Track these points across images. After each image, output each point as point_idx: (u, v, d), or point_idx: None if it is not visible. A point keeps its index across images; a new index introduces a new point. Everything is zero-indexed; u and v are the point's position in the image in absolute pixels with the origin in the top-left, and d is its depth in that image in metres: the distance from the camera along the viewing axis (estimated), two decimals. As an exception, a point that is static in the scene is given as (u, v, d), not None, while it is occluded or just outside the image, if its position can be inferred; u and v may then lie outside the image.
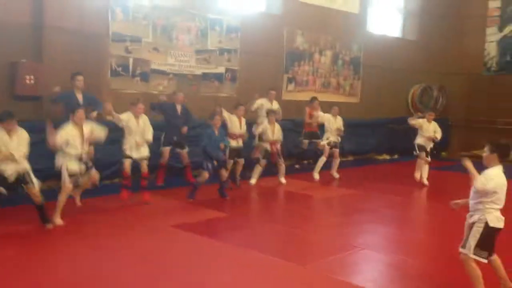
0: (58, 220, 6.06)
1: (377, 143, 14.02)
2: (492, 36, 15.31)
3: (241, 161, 8.84)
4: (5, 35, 7.75)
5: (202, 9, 10.32)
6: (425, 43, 15.49)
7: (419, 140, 9.81)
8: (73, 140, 6.24)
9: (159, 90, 9.69)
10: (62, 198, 6.15)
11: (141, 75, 9.49)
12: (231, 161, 8.54)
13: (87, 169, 6.45)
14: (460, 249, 4.19)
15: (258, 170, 9.29)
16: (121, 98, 8.92)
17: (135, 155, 7.42)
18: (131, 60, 9.32)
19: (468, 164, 4.20)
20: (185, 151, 8.95)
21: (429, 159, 9.82)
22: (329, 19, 12.84)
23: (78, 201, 6.83)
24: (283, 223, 6.88)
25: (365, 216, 7.21)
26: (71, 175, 6.22)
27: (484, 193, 4.08)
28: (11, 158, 5.71)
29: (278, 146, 9.27)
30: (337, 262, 5.16)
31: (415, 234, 6.71)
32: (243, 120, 8.82)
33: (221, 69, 10.74)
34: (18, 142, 5.81)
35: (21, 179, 5.84)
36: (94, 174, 6.60)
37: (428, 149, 9.81)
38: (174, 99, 8.91)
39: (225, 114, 8.59)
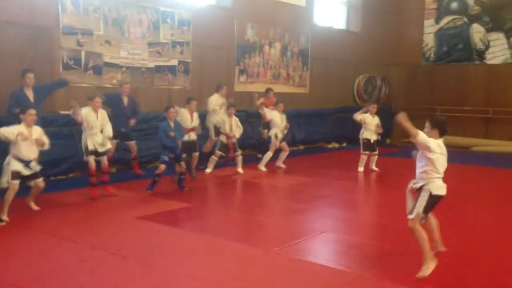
0: (5, 217, 5.98)
1: (326, 132, 14.52)
2: (430, 28, 16.15)
3: (196, 154, 8.91)
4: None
5: (153, 1, 10.31)
6: (368, 35, 16.13)
7: (364, 134, 10.24)
8: (22, 141, 6.14)
9: (112, 83, 9.64)
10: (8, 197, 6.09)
11: (94, 68, 9.39)
12: (185, 155, 8.59)
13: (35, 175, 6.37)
14: (408, 216, 4.61)
15: (213, 160, 9.49)
16: (75, 91, 8.83)
17: (99, 149, 7.31)
18: (83, 53, 9.21)
19: (403, 120, 4.47)
20: (133, 143, 9.01)
21: (376, 151, 10.31)
22: (278, 12, 13.13)
23: (33, 206, 6.57)
24: (244, 211, 7.12)
25: (321, 202, 7.57)
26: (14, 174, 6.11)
27: (426, 149, 4.44)
28: None
29: (234, 139, 9.47)
30: (299, 245, 5.43)
31: (369, 217, 7.14)
32: (195, 114, 8.88)
33: (174, 62, 10.78)
34: None
35: None
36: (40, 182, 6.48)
37: (373, 141, 10.24)
38: (120, 90, 8.90)
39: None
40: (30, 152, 6.26)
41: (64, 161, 8.63)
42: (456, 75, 15.74)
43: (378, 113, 10.65)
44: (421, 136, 4.47)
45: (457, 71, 15.75)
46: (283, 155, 10.52)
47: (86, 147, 7.26)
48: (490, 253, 5.29)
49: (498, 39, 14.99)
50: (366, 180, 9.75)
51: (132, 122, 8.88)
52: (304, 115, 13.73)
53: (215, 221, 6.53)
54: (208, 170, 9.46)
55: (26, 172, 6.22)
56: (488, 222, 6.56)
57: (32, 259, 4.81)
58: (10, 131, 6.09)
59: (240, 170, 9.62)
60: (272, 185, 8.93)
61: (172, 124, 7.96)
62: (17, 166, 6.15)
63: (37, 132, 6.36)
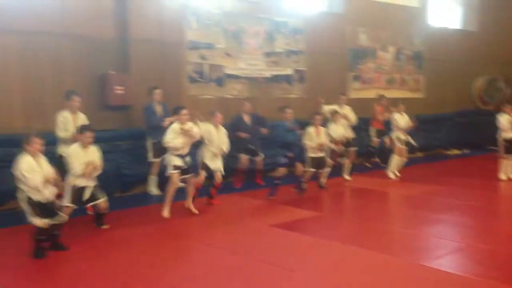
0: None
1: (444, 138, 13.80)
2: (558, 23, 14.81)
3: (326, 170, 8.70)
4: (94, 49, 8.17)
5: (269, 12, 10.50)
6: (486, 33, 15.13)
7: (504, 135, 9.42)
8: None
9: (233, 94, 9.93)
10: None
11: (216, 80, 9.74)
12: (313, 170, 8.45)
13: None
14: None
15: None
16: (198, 103, 9.21)
17: (212, 165, 7.39)
18: (206, 66, 9.59)
19: None
20: (260, 159, 9.16)
21: None
22: (390, 14, 12.78)
23: (193, 209, 6.95)
24: (377, 220, 6.85)
25: (457, 212, 7.15)
26: None
27: None
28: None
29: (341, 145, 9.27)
30: (445, 257, 5.16)
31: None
32: (322, 129, 8.50)
33: (289, 71, 10.88)
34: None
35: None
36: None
37: None
38: (240, 109, 9.05)
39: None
40: (186, 147, 6.67)
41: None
42: None
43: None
44: None
45: None
46: (401, 162, 10.09)
47: (203, 161, 7.35)
48: None
49: None
50: (506, 190, 9.05)
51: (264, 131, 8.94)
52: (421, 121, 13.11)
53: (351, 230, 6.41)
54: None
55: (182, 165, 6.68)
56: None
57: (184, 263, 5.03)
58: (173, 138, 6.54)
59: (346, 177, 9.46)
60: (399, 193, 8.63)
61: (289, 124, 7.99)
62: (176, 160, 6.57)
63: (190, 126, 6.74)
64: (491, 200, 8.12)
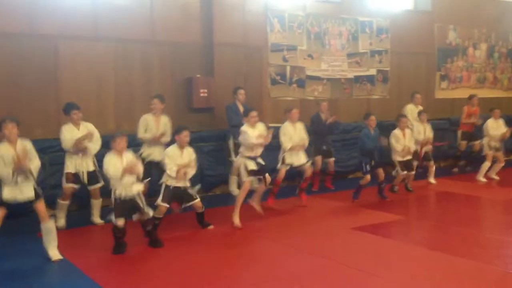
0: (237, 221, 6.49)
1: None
2: None
3: (411, 173, 8.45)
4: (181, 54, 8.53)
5: (353, 12, 10.38)
6: None
7: None
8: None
9: (314, 96, 9.92)
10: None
11: (298, 82, 9.79)
12: (404, 173, 8.27)
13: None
14: None
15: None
16: (279, 105, 9.31)
17: (295, 162, 7.47)
18: (288, 68, 9.67)
19: None
20: (332, 160, 9.04)
21: None
22: (482, 10, 12.12)
23: (258, 208, 6.93)
24: (464, 225, 6.58)
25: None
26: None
27: None
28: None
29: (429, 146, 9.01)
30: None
31: None
32: (408, 132, 8.33)
33: (372, 71, 10.68)
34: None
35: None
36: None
37: None
38: (318, 109, 8.96)
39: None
40: (258, 148, 6.70)
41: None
42: None
43: None
44: None
45: None
46: (497, 166, 9.58)
47: (283, 159, 7.44)
48: None
49: None
50: None
51: (333, 117, 8.77)
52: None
53: (436, 235, 6.19)
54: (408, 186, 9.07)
55: (255, 168, 6.64)
56: None
57: (263, 263, 5.12)
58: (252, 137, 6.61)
59: (432, 180, 9.16)
60: (488, 198, 8.18)
61: (372, 131, 7.84)
62: (250, 164, 6.60)
63: (260, 128, 6.78)
64: None
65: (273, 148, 7.57)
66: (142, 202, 5.57)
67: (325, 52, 10.07)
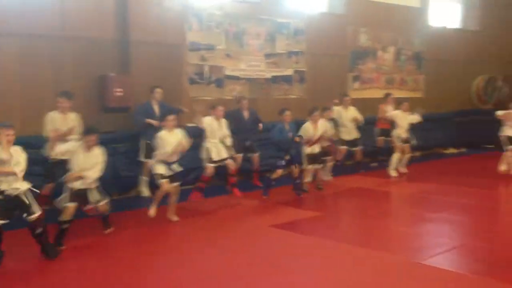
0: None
1: (443, 137, 13.85)
2: (558, 22, 14.83)
3: (319, 166, 8.73)
4: (94, 50, 8.22)
5: (270, 13, 10.54)
6: (487, 32, 15.16)
7: (507, 132, 9.59)
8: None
9: (233, 96, 9.98)
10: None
11: (216, 82, 9.79)
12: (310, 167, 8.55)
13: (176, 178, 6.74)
14: None
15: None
16: (198, 105, 9.25)
17: (220, 157, 7.66)
18: (206, 68, 9.64)
19: None
20: (256, 155, 9.18)
21: None
22: (391, 15, 12.82)
23: (173, 217, 6.77)
24: (376, 219, 6.91)
25: (457, 210, 7.22)
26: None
27: None
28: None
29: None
30: (442, 255, 5.23)
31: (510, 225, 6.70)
32: (321, 123, 8.66)
33: (289, 72, 10.93)
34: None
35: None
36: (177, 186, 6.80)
37: None
38: (239, 106, 9.12)
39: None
40: (174, 155, 6.65)
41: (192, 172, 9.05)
42: None
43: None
44: None
45: None
46: (404, 158, 10.20)
47: (209, 156, 7.55)
48: None
49: None
50: (505, 188, 9.10)
51: (260, 126, 9.10)
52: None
53: (350, 229, 6.50)
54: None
55: (168, 173, 6.59)
56: None
57: (181, 267, 5.07)
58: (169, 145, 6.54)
59: (326, 177, 9.35)
60: (397, 192, 8.71)
61: (287, 127, 8.05)
62: (160, 168, 6.56)
63: (178, 135, 6.73)
64: (488, 198, 8.17)
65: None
66: (29, 200, 5.10)
67: (244, 52, 10.16)
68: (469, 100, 15.25)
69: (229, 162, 7.75)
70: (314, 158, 8.49)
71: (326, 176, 9.35)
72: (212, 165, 7.65)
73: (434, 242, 5.79)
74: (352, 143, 10.16)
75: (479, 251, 5.36)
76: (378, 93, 12.40)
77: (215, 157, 7.64)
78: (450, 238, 5.94)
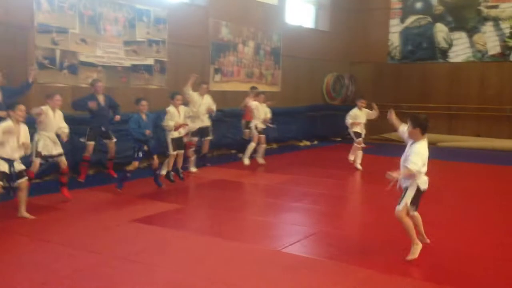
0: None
1: (297, 130, 14.66)
2: (395, 27, 16.59)
3: (181, 152, 8.78)
4: None
5: (129, -1, 10.10)
6: (336, 33, 16.40)
7: (355, 128, 10.34)
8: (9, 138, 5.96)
9: (88, 83, 9.36)
10: None
11: (69, 68, 9.10)
12: (175, 153, 8.51)
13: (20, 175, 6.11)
14: (397, 207, 4.90)
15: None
16: (49, 92, 8.51)
17: (53, 151, 7.01)
18: (58, 52, 8.90)
19: (395, 175, 4.79)
20: (112, 142, 8.77)
21: (364, 145, 10.44)
22: (251, 10, 13.14)
23: (27, 215, 6.18)
24: (237, 210, 7.01)
25: (312, 199, 7.63)
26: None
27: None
28: None
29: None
30: (301, 243, 5.49)
31: (359, 211, 7.30)
32: (182, 108, 8.70)
33: (150, 61, 10.60)
34: None
35: None
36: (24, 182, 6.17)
37: (363, 136, 10.41)
38: (93, 89, 8.64)
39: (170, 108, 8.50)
40: (16, 151, 6.00)
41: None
42: (421, 73, 16.25)
43: (346, 110, 10.83)
44: (414, 169, 4.72)
45: (421, 69, 16.26)
46: (261, 148, 10.54)
47: (37, 149, 6.87)
48: (461, 240, 5.52)
49: (460, 38, 15.57)
50: (353, 178, 9.82)
51: (117, 117, 8.67)
52: (277, 114, 13.72)
53: (211, 221, 6.48)
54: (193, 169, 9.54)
55: (10, 171, 5.95)
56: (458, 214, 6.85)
57: (37, 267, 4.62)
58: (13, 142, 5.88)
59: (193, 169, 9.49)
60: (256, 183, 8.94)
61: (144, 117, 7.85)
62: (2, 166, 5.90)
63: (25, 130, 6.11)
64: (339, 188, 8.80)
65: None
66: None
67: (101, 37, 9.58)
68: (321, 96, 16.36)
69: (61, 159, 7.08)
70: (179, 143, 8.47)
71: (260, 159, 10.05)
72: (39, 160, 6.92)
73: (292, 230, 6.05)
74: (203, 131, 9.99)
75: (333, 238, 5.72)
76: (238, 86, 12.69)
77: (43, 151, 6.91)
78: (306, 226, 6.27)
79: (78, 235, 5.57)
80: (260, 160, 10.56)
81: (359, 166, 10.25)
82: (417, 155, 4.76)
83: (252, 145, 10.29)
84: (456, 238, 5.75)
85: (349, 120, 10.35)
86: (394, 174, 4.80)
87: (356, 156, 10.36)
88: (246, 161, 10.20)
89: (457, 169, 11.10)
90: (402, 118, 5.38)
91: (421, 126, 4.82)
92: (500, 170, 11.01)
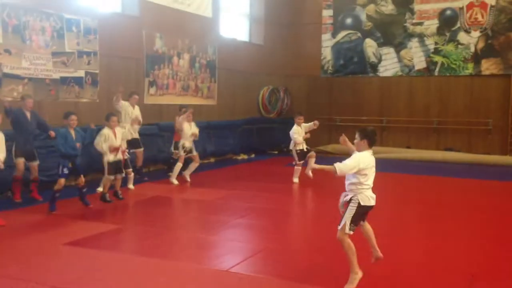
0: None
1: (235, 144, 14.53)
2: (327, 42, 16.97)
3: (120, 176, 8.28)
4: None
5: (57, 8, 9.56)
6: (270, 47, 16.52)
7: (298, 146, 10.22)
8: None
9: (13, 96, 8.73)
10: None
11: (-8, 80, 8.45)
12: (112, 178, 8.06)
13: None
14: (338, 227, 4.58)
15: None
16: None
17: None
18: (-21, 64, 8.24)
19: (319, 169, 4.65)
20: (36, 164, 8.21)
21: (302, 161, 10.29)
22: (186, 22, 12.91)
23: None
24: (178, 229, 6.76)
25: (253, 215, 7.45)
26: None
27: (352, 173, 4.53)
28: None
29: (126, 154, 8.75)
30: (258, 261, 5.31)
31: (304, 227, 7.23)
32: (119, 130, 8.25)
33: (80, 73, 10.07)
34: None
35: None
36: None
37: (306, 150, 10.30)
38: (22, 105, 8.09)
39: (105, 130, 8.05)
40: None
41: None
42: (352, 86, 16.69)
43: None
44: (343, 169, 4.48)
45: (353, 83, 16.71)
46: (193, 166, 10.19)
47: None
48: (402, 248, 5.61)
49: (389, 53, 16.18)
50: (293, 191, 9.75)
51: (52, 133, 8.12)
52: (214, 127, 13.59)
53: (151, 241, 6.12)
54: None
55: None
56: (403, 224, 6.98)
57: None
58: None
59: (131, 186, 9.16)
60: (196, 199, 8.66)
61: (73, 132, 7.42)
62: None
63: None
64: (282, 202, 8.65)
65: None
66: None
67: (27, 48, 8.99)
68: (256, 109, 16.37)
69: None
70: (116, 167, 8.02)
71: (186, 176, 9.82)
72: None
73: (237, 248, 5.86)
74: (133, 143, 9.61)
75: (280, 254, 5.58)
76: (174, 100, 12.40)
77: None
78: (252, 243, 6.10)
79: (5, 261, 5.06)
80: (187, 177, 10.16)
81: (310, 174, 10.02)
82: (352, 159, 4.55)
83: (179, 165, 9.93)
84: (395, 247, 5.80)
85: (298, 137, 10.20)
86: (315, 166, 4.64)
87: (308, 164, 10.31)
88: (174, 181, 9.82)
89: (389, 180, 11.38)
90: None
91: (368, 138, 4.66)
92: (429, 180, 11.36)
